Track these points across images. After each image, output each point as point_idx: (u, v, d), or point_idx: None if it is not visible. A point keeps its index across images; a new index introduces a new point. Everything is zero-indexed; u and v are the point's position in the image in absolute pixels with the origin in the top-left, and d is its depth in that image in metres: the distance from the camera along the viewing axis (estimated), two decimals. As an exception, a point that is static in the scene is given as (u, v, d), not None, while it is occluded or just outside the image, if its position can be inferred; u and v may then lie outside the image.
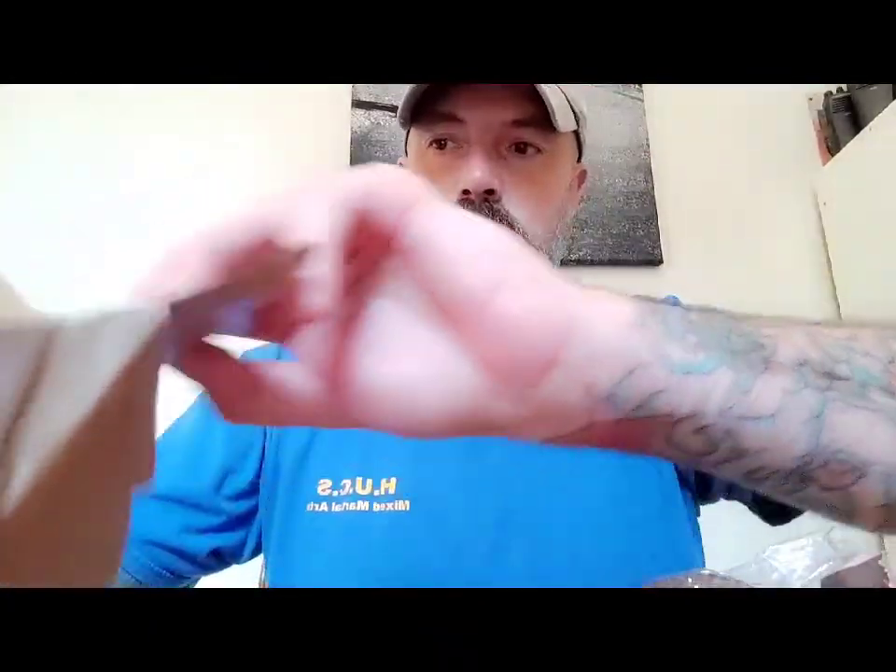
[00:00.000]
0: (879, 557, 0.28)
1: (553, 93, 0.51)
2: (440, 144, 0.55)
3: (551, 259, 0.58)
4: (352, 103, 1.24)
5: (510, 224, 0.53)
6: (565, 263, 1.27)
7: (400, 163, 0.68)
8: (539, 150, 0.54)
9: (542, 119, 0.52)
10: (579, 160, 0.62)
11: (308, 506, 0.49)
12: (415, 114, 0.54)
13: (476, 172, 0.51)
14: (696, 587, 0.26)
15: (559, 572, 0.43)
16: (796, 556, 0.27)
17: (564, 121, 0.52)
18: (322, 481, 0.51)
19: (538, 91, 0.50)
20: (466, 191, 0.52)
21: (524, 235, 0.53)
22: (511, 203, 0.53)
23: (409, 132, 0.61)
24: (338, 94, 1.23)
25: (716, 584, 0.27)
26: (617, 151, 1.27)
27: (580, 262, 1.17)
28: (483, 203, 0.52)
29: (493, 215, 0.52)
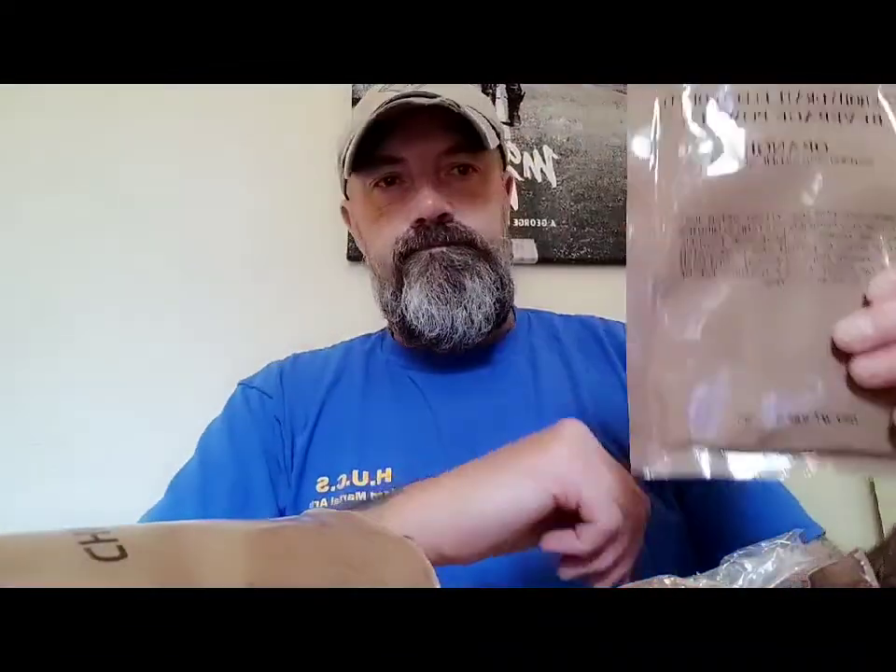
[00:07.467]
0: (856, 551, 0.28)
1: (477, 118, 0.57)
2: (386, 181, 0.62)
3: (505, 261, 0.64)
4: (352, 103, 1.24)
5: (468, 236, 0.60)
6: (566, 263, 1.27)
7: (343, 207, 0.73)
8: (475, 170, 0.62)
9: (471, 142, 0.59)
10: (504, 168, 0.70)
11: (311, 504, 0.52)
12: (356, 162, 0.60)
13: (427, 201, 0.58)
14: (664, 587, 0.26)
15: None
16: (766, 560, 0.27)
17: (492, 140, 0.59)
18: (320, 479, 0.54)
19: (463, 119, 0.56)
20: (420, 220, 0.59)
21: (481, 241, 0.61)
22: (465, 218, 0.60)
23: (346, 179, 0.67)
24: (338, 94, 1.23)
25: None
26: (617, 150, 1.26)
27: (580, 261, 1.17)
28: (437, 225, 0.59)
29: (447, 233, 0.59)
